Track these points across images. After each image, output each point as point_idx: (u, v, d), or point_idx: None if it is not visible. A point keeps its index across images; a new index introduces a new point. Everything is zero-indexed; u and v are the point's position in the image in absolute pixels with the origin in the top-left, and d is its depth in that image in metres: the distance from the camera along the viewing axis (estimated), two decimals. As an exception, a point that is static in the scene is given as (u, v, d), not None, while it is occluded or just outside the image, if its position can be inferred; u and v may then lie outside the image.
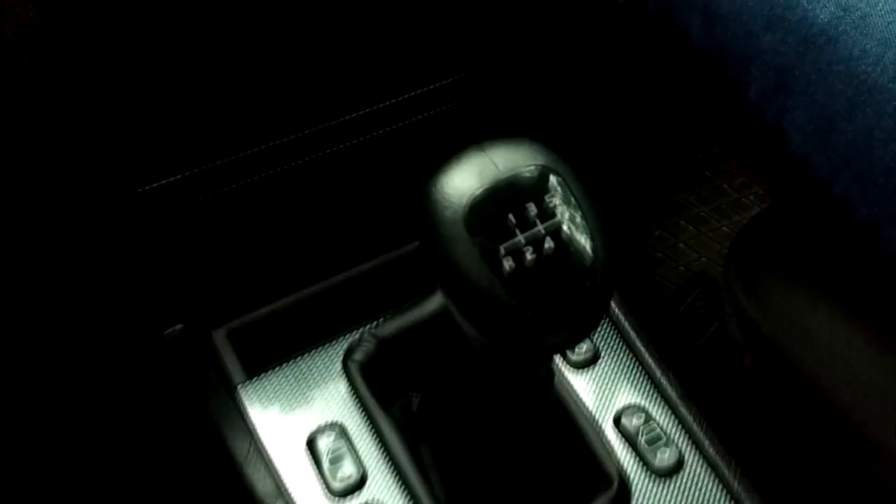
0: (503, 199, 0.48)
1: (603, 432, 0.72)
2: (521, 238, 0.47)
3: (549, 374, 0.66)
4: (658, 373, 0.77)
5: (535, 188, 0.48)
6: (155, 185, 0.69)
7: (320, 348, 0.79)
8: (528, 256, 0.47)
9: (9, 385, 0.80)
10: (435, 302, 0.78)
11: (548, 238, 0.47)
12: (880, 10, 0.57)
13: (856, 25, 0.57)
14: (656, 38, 0.70)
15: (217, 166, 0.72)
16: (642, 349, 0.78)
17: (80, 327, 0.79)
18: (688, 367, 0.89)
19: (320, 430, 0.73)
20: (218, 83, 0.68)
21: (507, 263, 0.46)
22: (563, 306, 0.48)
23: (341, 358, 0.78)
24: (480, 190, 0.47)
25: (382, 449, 0.71)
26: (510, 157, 0.48)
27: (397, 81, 0.76)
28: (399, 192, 0.84)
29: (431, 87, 0.78)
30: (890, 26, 0.56)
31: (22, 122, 0.63)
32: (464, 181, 0.48)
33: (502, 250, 0.47)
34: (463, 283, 0.47)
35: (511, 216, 0.47)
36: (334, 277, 0.85)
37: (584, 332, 0.52)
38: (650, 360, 0.78)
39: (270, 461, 0.72)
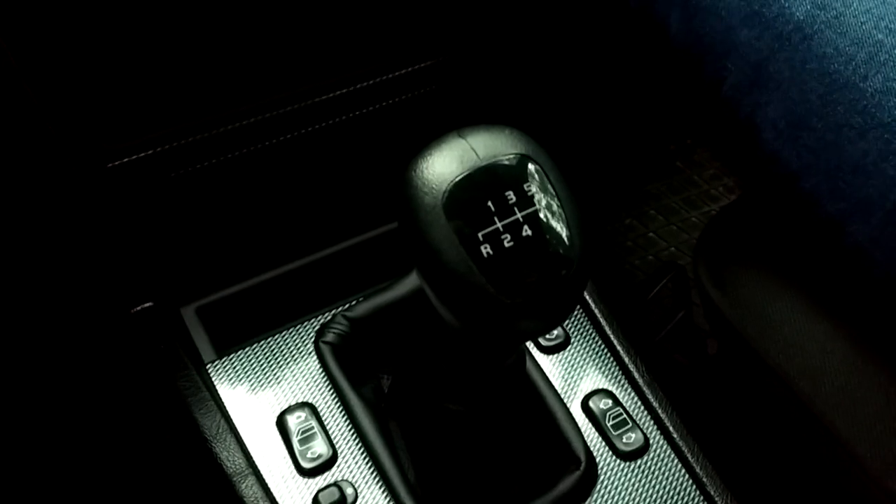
0: (482, 185, 0.48)
1: (571, 415, 0.73)
2: (499, 224, 0.47)
3: (521, 357, 0.67)
4: (626, 358, 0.78)
5: (514, 176, 0.48)
6: (125, 160, 0.68)
7: (292, 328, 0.79)
8: (506, 242, 0.47)
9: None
10: (407, 284, 0.78)
11: (525, 225, 0.48)
12: (854, 10, 0.58)
13: (830, 24, 0.59)
14: (637, 30, 0.71)
15: (189, 143, 0.71)
16: (611, 335, 0.80)
17: (49, 305, 0.77)
18: (655, 354, 0.91)
19: (290, 409, 0.73)
20: (190, 59, 0.67)
21: (485, 249, 0.47)
22: (539, 294, 0.48)
23: (313, 338, 0.78)
24: (460, 176, 0.47)
25: (353, 429, 0.72)
26: (490, 144, 0.48)
27: (373, 64, 0.76)
28: (375, 173, 0.83)
29: (407, 70, 0.78)
30: (863, 26, 0.58)
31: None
32: (444, 167, 0.48)
33: (480, 236, 0.47)
34: (441, 267, 0.47)
35: (490, 203, 0.47)
36: (307, 257, 0.84)
37: (558, 321, 0.53)
38: (618, 346, 0.79)
39: (240, 438, 0.72)
